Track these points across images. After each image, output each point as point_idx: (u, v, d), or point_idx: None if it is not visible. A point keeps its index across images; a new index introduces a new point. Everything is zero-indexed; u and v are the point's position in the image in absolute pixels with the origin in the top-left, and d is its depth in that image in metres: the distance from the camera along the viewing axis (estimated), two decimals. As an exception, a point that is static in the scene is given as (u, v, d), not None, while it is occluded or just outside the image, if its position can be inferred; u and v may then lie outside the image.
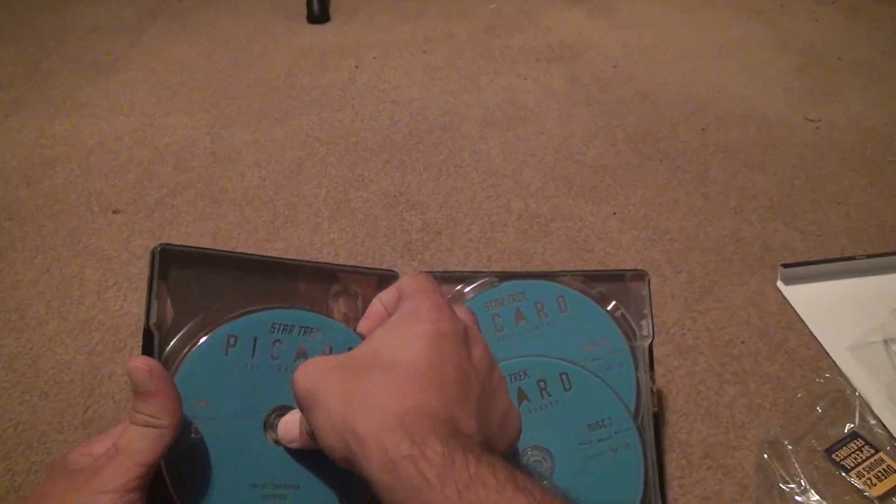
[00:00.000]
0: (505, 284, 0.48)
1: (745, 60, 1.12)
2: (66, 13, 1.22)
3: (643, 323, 0.48)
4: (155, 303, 0.37)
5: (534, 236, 0.74)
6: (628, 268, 0.50)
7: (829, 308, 0.67)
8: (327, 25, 1.20)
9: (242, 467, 0.37)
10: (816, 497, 0.50)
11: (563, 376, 0.45)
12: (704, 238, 0.75)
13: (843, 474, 0.52)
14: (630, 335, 0.48)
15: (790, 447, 0.54)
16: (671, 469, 0.53)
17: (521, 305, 0.47)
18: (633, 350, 0.47)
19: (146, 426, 0.32)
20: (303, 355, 0.40)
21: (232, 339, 0.39)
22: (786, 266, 0.69)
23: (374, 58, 1.09)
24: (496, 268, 0.70)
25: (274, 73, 1.04)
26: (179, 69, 1.05)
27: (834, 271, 0.70)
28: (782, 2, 1.33)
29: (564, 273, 0.49)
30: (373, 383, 0.30)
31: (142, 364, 0.32)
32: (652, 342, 0.48)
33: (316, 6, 1.19)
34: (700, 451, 0.55)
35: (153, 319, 0.37)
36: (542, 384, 0.45)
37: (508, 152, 0.87)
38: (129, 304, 0.65)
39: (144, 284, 0.68)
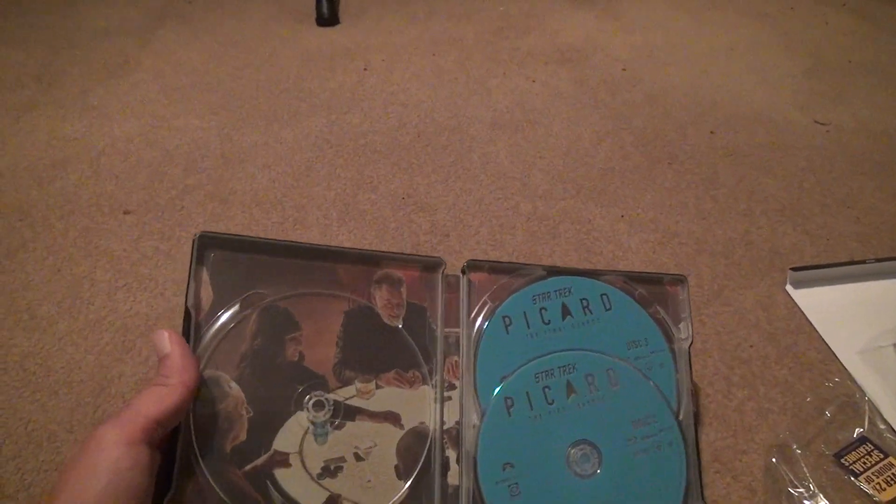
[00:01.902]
0: (552, 279, 0.48)
1: (753, 63, 1.11)
2: (75, 16, 1.23)
3: (681, 326, 0.49)
4: (192, 285, 0.39)
5: (542, 239, 0.74)
6: (667, 272, 0.51)
7: (839, 312, 0.66)
8: (336, 28, 1.20)
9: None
10: (825, 502, 0.50)
11: (610, 372, 0.46)
12: (713, 241, 0.75)
13: (852, 479, 0.52)
14: (669, 337, 0.49)
15: (799, 451, 0.53)
16: (679, 472, 0.53)
17: (567, 301, 0.48)
18: (673, 351, 0.48)
19: (156, 385, 0.35)
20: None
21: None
22: (795, 269, 0.69)
23: (383, 60, 1.09)
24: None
25: (283, 76, 1.04)
26: (189, 71, 1.05)
27: (843, 275, 0.70)
28: (791, 4, 1.33)
29: (608, 272, 0.50)
30: None
31: (163, 331, 0.37)
32: (691, 344, 0.49)
33: (325, 8, 1.20)
34: (708, 455, 0.55)
35: (190, 301, 0.39)
36: (589, 378, 0.46)
37: (517, 155, 0.87)
38: (139, 305, 0.65)
39: (154, 285, 0.69)
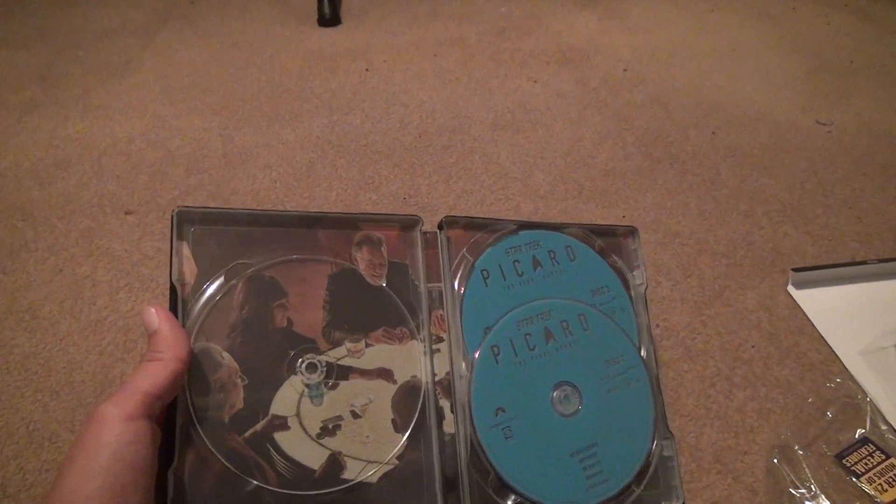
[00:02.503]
0: (522, 233, 0.51)
1: (755, 64, 1.11)
2: (77, 16, 1.23)
3: (636, 273, 0.53)
4: (175, 261, 0.40)
5: (543, 239, 0.74)
6: (620, 224, 0.55)
7: (841, 312, 0.66)
8: (338, 28, 1.20)
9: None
10: (827, 502, 0.50)
11: (581, 317, 0.49)
12: (715, 242, 0.75)
13: (854, 479, 0.52)
14: (627, 284, 0.52)
15: (800, 452, 0.53)
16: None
17: (537, 253, 0.50)
18: (631, 297, 0.52)
19: (150, 360, 0.35)
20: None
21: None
22: (797, 270, 0.69)
23: (385, 61, 1.09)
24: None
25: (285, 76, 1.04)
26: (191, 72, 1.05)
27: (845, 276, 0.70)
28: (793, 5, 1.32)
29: (570, 225, 0.53)
30: None
31: (150, 306, 0.37)
32: (646, 289, 0.52)
33: (327, 9, 1.20)
34: (710, 456, 0.55)
35: (175, 276, 0.40)
36: (564, 324, 0.48)
37: (518, 155, 0.87)
38: (141, 305, 0.66)
39: (155, 286, 0.69)
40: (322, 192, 0.80)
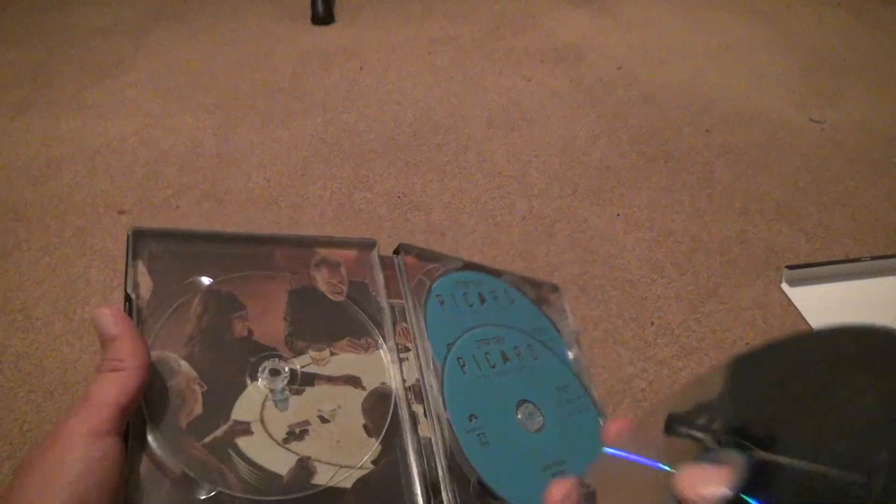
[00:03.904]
0: (467, 272, 0.54)
1: (749, 62, 1.12)
2: (70, 15, 1.23)
3: (561, 326, 0.57)
4: (131, 273, 0.39)
5: (538, 238, 0.74)
6: (551, 281, 0.60)
7: (834, 310, 0.66)
8: (332, 27, 1.20)
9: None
10: (821, 499, 0.50)
11: (530, 347, 0.51)
12: (709, 239, 0.75)
13: (848, 476, 0.52)
14: (559, 330, 0.56)
15: (795, 449, 0.53)
16: (675, 470, 0.53)
17: (482, 290, 0.53)
18: (562, 338, 0.55)
19: (112, 371, 0.33)
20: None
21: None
22: (790, 268, 0.69)
23: (379, 59, 1.09)
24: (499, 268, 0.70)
25: (278, 75, 1.04)
26: (184, 70, 1.05)
27: (839, 273, 0.70)
28: (787, 3, 1.33)
29: (506, 273, 0.56)
30: None
31: (106, 309, 0.34)
32: (580, 335, 0.57)
33: (320, 7, 1.20)
34: (704, 453, 0.55)
35: (129, 287, 0.38)
36: (517, 350, 0.50)
37: (513, 153, 0.87)
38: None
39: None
40: (316, 190, 0.80)
